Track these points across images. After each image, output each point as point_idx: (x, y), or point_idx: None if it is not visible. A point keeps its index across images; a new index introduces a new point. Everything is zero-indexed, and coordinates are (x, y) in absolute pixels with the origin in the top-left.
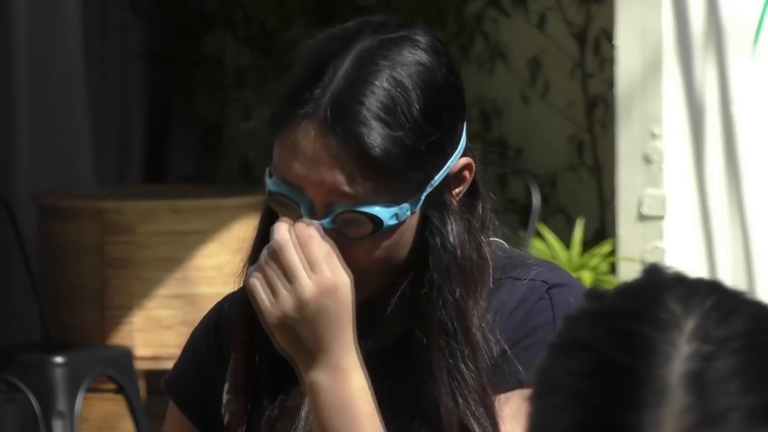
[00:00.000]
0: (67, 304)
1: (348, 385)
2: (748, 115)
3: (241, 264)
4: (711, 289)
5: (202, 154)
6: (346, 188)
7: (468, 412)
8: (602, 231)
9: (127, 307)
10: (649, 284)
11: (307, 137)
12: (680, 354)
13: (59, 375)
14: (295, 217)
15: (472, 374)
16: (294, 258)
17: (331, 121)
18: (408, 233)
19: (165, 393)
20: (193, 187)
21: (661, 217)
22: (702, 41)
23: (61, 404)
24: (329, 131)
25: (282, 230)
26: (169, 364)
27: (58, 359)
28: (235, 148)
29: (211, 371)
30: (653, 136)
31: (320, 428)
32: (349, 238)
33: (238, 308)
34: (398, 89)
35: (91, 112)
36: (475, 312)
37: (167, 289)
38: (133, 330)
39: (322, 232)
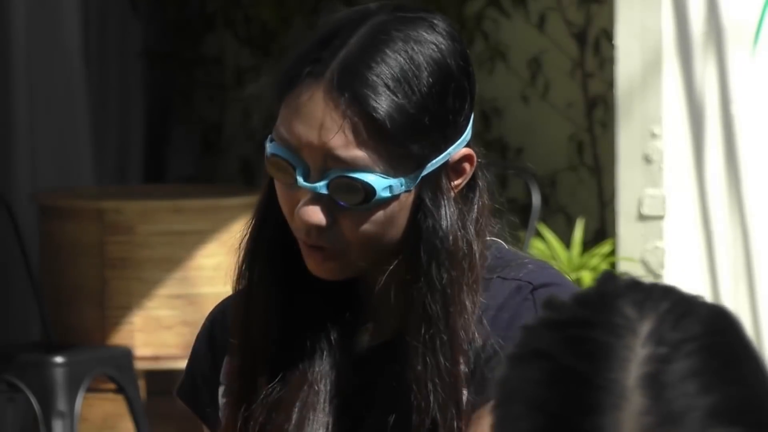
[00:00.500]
0: (67, 304)
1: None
2: (748, 115)
3: (239, 256)
4: (665, 293)
5: (202, 154)
6: (343, 152)
7: (436, 403)
8: (602, 231)
9: (127, 307)
10: (603, 291)
11: (312, 97)
12: (637, 357)
13: (59, 375)
14: (290, 181)
15: (447, 363)
16: None
17: (338, 82)
18: (401, 213)
19: (183, 402)
20: (193, 187)
21: (661, 217)
22: (702, 41)
23: (61, 404)
24: (335, 92)
25: None
26: (169, 364)
27: (58, 359)
28: (235, 148)
29: (210, 375)
30: (653, 136)
31: None
32: (341, 204)
33: (233, 309)
34: (409, 63)
35: (91, 111)
36: (461, 300)
37: (167, 289)
38: (133, 330)
39: None
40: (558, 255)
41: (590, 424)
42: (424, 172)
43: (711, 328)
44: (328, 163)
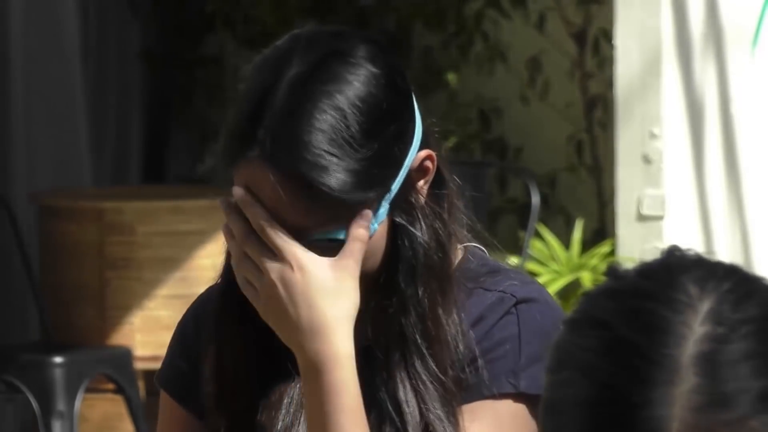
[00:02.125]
0: (67, 305)
1: (333, 374)
2: (747, 115)
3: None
4: (728, 272)
5: (201, 155)
6: (308, 222)
7: (432, 417)
8: (602, 231)
9: (126, 307)
10: (667, 265)
11: (259, 179)
12: (694, 335)
13: (59, 375)
14: None
15: (433, 379)
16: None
17: (277, 164)
18: (378, 242)
19: (160, 388)
20: (192, 188)
21: (660, 217)
22: (701, 41)
23: (61, 404)
24: (277, 172)
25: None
26: None
27: (58, 359)
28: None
29: (198, 358)
30: (652, 136)
31: (306, 413)
32: (327, 257)
33: (218, 301)
34: (334, 115)
35: (90, 112)
36: (441, 314)
37: (167, 289)
38: (132, 330)
39: None
40: (557, 255)
41: (640, 396)
42: (389, 200)
43: None
44: (300, 228)
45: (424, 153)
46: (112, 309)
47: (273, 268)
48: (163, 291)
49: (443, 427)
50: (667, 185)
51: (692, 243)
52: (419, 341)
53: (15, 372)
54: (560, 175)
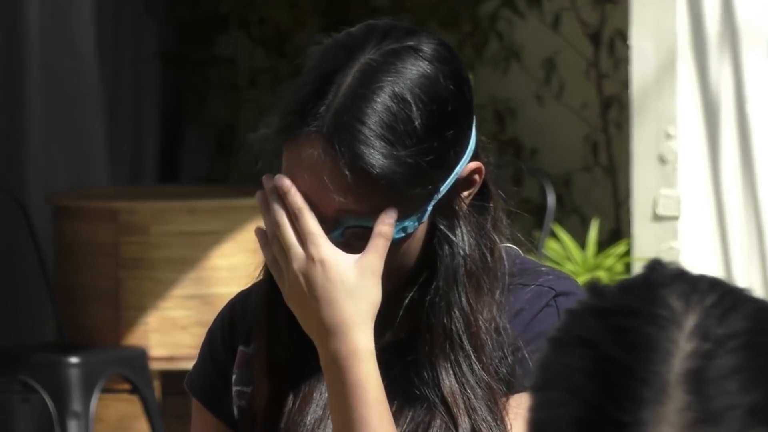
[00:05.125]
0: (82, 305)
1: (355, 369)
2: (763, 115)
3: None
4: (712, 286)
5: (216, 155)
6: (351, 206)
7: (477, 416)
8: (617, 231)
9: (141, 308)
10: (649, 281)
11: (312, 155)
12: (680, 352)
13: (74, 375)
14: None
15: (478, 379)
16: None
17: (334, 140)
18: (415, 242)
19: (188, 393)
20: (207, 188)
21: (676, 218)
22: (717, 41)
23: (76, 405)
24: (333, 150)
25: (296, 194)
26: (184, 365)
27: (73, 360)
28: (248, 148)
29: (227, 365)
30: (668, 136)
31: (330, 409)
32: (358, 250)
33: (260, 296)
34: (400, 105)
35: (105, 112)
36: (483, 316)
37: (182, 289)
38: (147, 330)
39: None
40: (573, 255)
41: (629, 415)
42: (433, 202)
43: (756, 324)
44: (339, 213)
45: (474, 165)
46: (127, 309)
47: (298, 258)
48: (178, 291)
49: (488, 426)
50: (682, 185)
51: (708, 243)
52: (465, 344)
53: (30, 372)
54: (575, 176)
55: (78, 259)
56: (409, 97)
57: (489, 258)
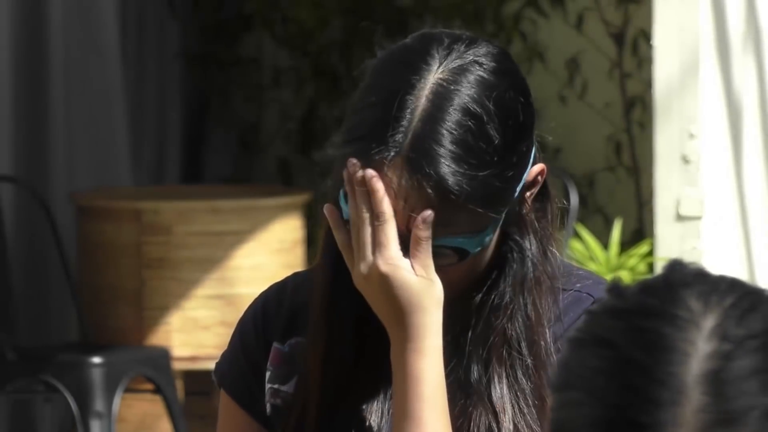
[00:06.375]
0: (105, 305)
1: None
2: None
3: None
4: (731, 286)
5: (239, 155)
6: (434, 227)
7: (524, 423)
8: (640, 231)
9: (164, 308)
10: (669, 281)
11: (390, 179)
12: (699, 353)
13: (97, 375)
14: None
15: (533, 387)
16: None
17: (413, 164)
18: (488, 251)
19: (217, 385)
20: (230, 188)
21: (699, 218)
22: (740, 41)
23: (99, 404)
24: (412, 173)
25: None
26: (207, 365)
27: (96, 359)
28: (272, 148)
29: (260, 359)
30: (691, 136)
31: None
32: (443, 270)
33: (320, 285)
34: (478, 125)
35: (129, 112)
36: (544, 323)
37: (205, 289)
38: (170, 330)
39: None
40: (596, 255)
41: (648, 417)
42: (507, 209)
43: None
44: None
45: (538, 168)
46: (150, 309)
47: (367, 258)
48: (201, 291)
49: None
50: (705, 185)
51: (731, 243)
52: (523, 351)
53: (53, 372)
54: (599, 176)
55: (101, 259)
56: (484, 116)
57: (552, 262)
